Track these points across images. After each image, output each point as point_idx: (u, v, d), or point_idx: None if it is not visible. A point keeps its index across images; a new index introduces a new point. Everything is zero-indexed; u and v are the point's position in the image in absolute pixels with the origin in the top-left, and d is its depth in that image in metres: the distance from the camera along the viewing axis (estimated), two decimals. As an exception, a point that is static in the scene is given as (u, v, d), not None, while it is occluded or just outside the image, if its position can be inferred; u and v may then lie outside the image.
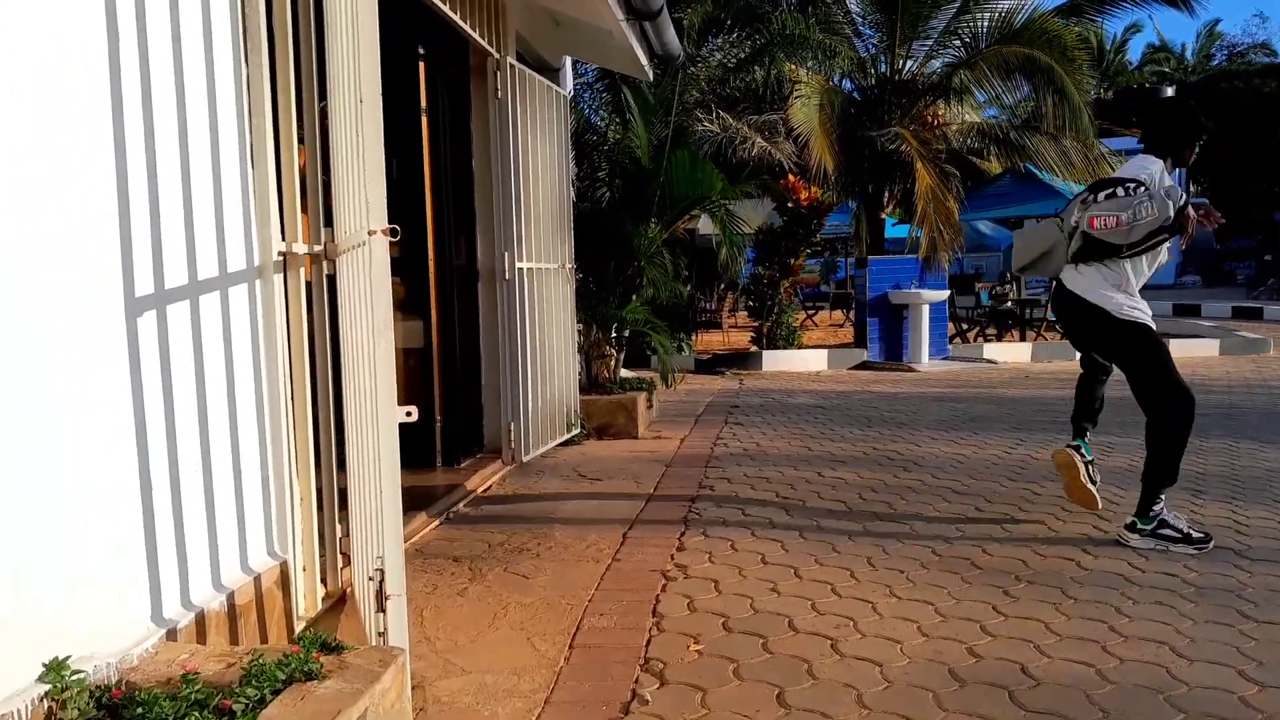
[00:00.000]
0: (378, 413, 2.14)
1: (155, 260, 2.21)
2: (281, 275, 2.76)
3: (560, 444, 5.81)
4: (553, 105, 5.79)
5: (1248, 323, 18.34)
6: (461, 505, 4.40)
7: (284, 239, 2.75)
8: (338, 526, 2.95)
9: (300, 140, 2.83)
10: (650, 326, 6.62)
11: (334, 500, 2.92)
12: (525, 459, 5.27)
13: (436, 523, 4.07)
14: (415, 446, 5.02)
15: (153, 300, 2.20)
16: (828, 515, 4.12)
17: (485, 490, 4.71)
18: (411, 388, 5.18)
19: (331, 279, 2.81)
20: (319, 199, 2.85)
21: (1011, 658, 2.66)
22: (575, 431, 5.99)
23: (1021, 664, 2.61)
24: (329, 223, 2.77)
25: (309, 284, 2.84)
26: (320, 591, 2.92)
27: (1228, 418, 7.09)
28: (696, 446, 5.88)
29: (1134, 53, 47.87)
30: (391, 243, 4.93)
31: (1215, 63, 48.51)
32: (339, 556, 3.00)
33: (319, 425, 2.90)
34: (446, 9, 4.34)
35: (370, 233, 2.14)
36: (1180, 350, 12.76)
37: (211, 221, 2.45)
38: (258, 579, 2.56)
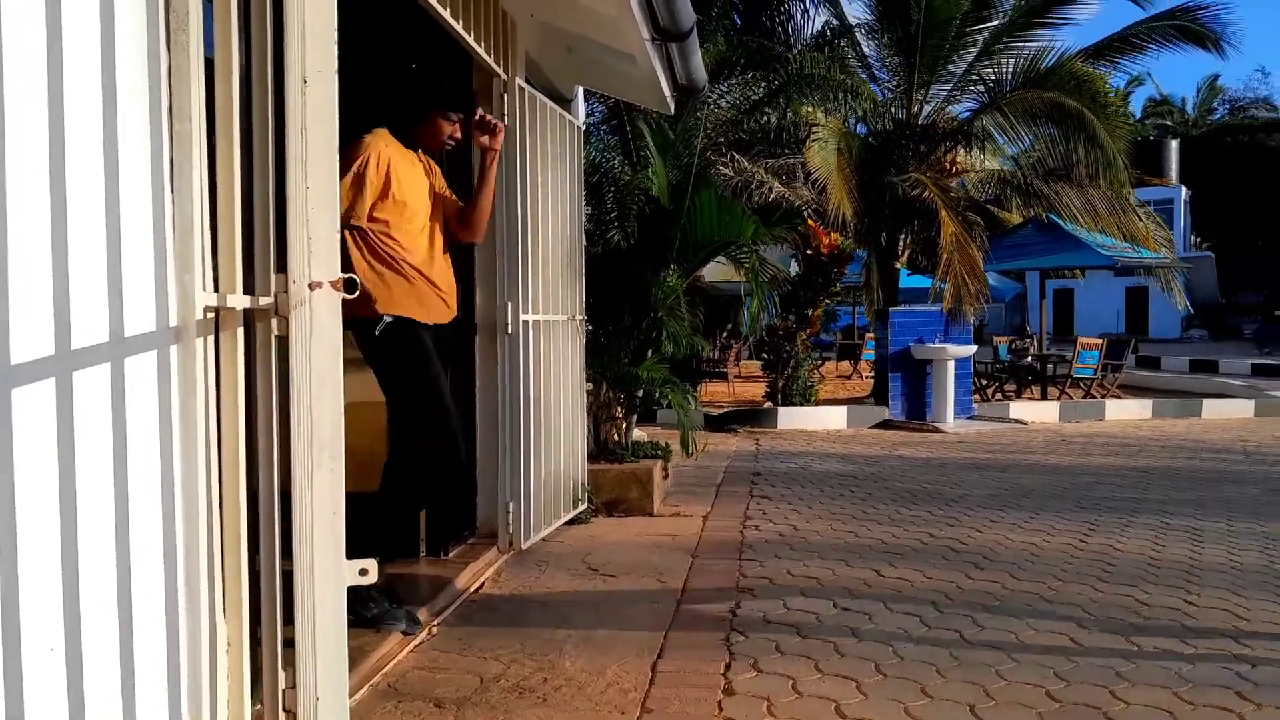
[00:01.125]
0: (314, 568, 1.38)
1: (-4, 323, 1.47)
2: (212, 337, 2.01)
3: (565, 523, 5.03)
4: (565, 135, 5.10)
5: (1271, 381, 17.67)
6: (450, 611, 3.61)
7: (216, 289, 2.01)
8: (280, 674, 2.17)
9: (247, 154, 2.10)
10: (669, 385, 5.88)
11: (276, 641, 2.15)
12: (525, 545, 4.48)
13: (418, 639, 3.28)
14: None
15: (-14, 384, 1.45)
16: (904, 638, 3.33)
17: (478, 589, 3.92)
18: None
19: (284, 340, 2.08)
20: (269, 232, 2.11)
21: None
22: (582, 508, 5.21)
23: None
24: (282, 268, 2.05)
25: (250, 348, 2.10)
26: (254, 766, 2.14)
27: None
28: (723, 528, 5.10)
29: (1136, 105, 47.85)
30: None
31: (1216, 116, 48.56)
32: (281, 714, 2.22)
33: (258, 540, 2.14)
34: (447, 14, 3.65)
35: (312, 285, 1.39)
36: (1214, 411, 12.07)
37: (100, 264, 1.71)
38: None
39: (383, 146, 3.27)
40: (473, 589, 3.90)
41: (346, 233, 3.07)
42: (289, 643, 2.10)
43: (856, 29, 14.19)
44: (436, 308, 3.38)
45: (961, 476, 7.04)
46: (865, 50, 14.48)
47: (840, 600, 3.77)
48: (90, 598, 1.68)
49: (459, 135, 3.54)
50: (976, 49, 13.85)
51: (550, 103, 4.94)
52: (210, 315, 1.99)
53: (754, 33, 14.10)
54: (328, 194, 1.50)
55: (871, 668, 3.04)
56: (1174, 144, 38.72)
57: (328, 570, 1.42)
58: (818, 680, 2.93)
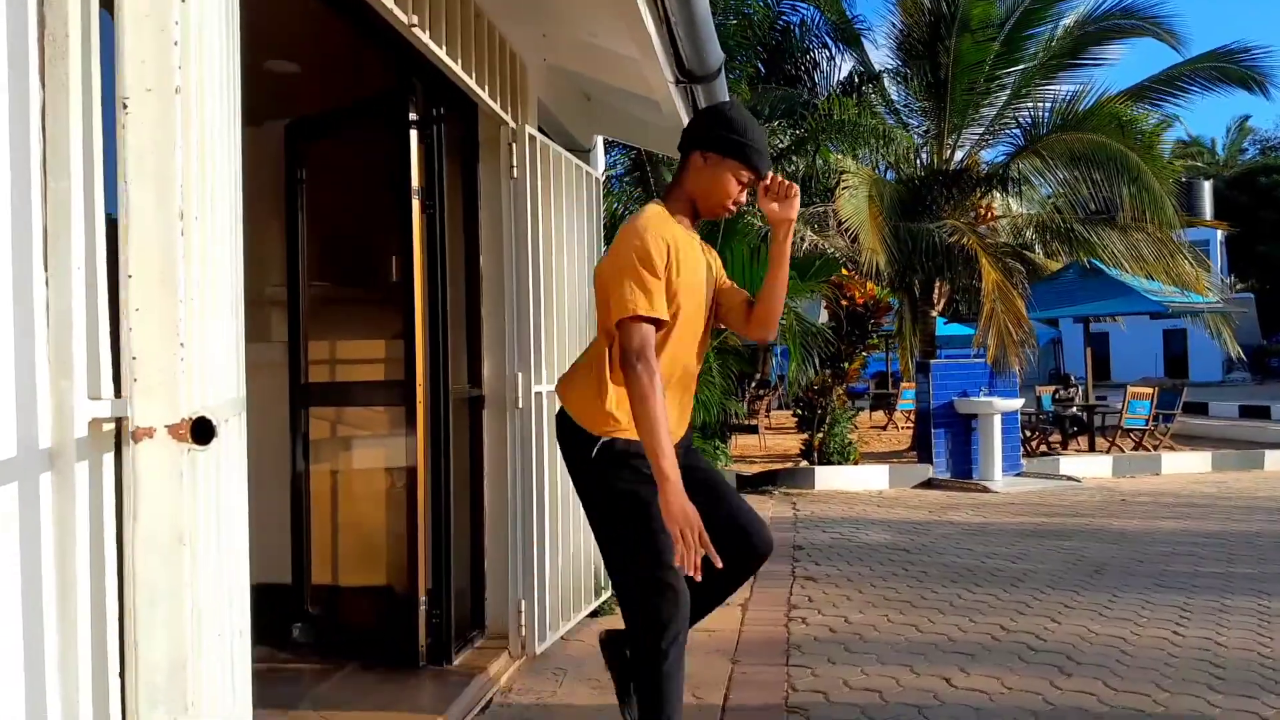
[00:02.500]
0: None
1: None
2: (110, 455, 1.53)
3: (587, 615, 4.49)
4: (582, 187, 4.66)
5: (1331, 428, 16.80)
6: (449, 741, 3.08)
7: (116, 393, 1.53)
8: None
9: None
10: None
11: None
12: (540, 649, 3.94)
13: (409, 783, 2.75)
14: (394, 634, 3.73)
15: None
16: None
17: (484, 708, 3.38)
18: (391, 547, 3.93)
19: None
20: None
21: None
22: (606, 597, 4.67)
23: None
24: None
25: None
26: None
27: None
28: (766, 620, 4.53)
29: (1164, 147, 47.32)
30: (371, 361, 3.60)
31: (1248, 156, 47.86)
32: None
33: None
34: (444, 55, 3.23)
35: (137, 434, 0.88)
36: (1277, 464, 11.33)
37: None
38: None
39: (667, 227, 2.42)
40: (478, 708, 3.36)
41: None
42: None
43: (884, 75, 13.85)
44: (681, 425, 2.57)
45: (1022, 547, 6.42)
46: (893, 96, 14.14)
47: (907, 716, 3.19)
48: None
49: (743, 201, 2.60)
50: (1008, 92, 13.45)
51: (565, 152, 4.51)
52: (107, 427, 1.52)
53: (778, 80, 13.81)
54: (161, 278, 1.04)
55: (960, 828, 2.47)
56: (1207, 185, 38.07)
57: None
58: None
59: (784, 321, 5.68)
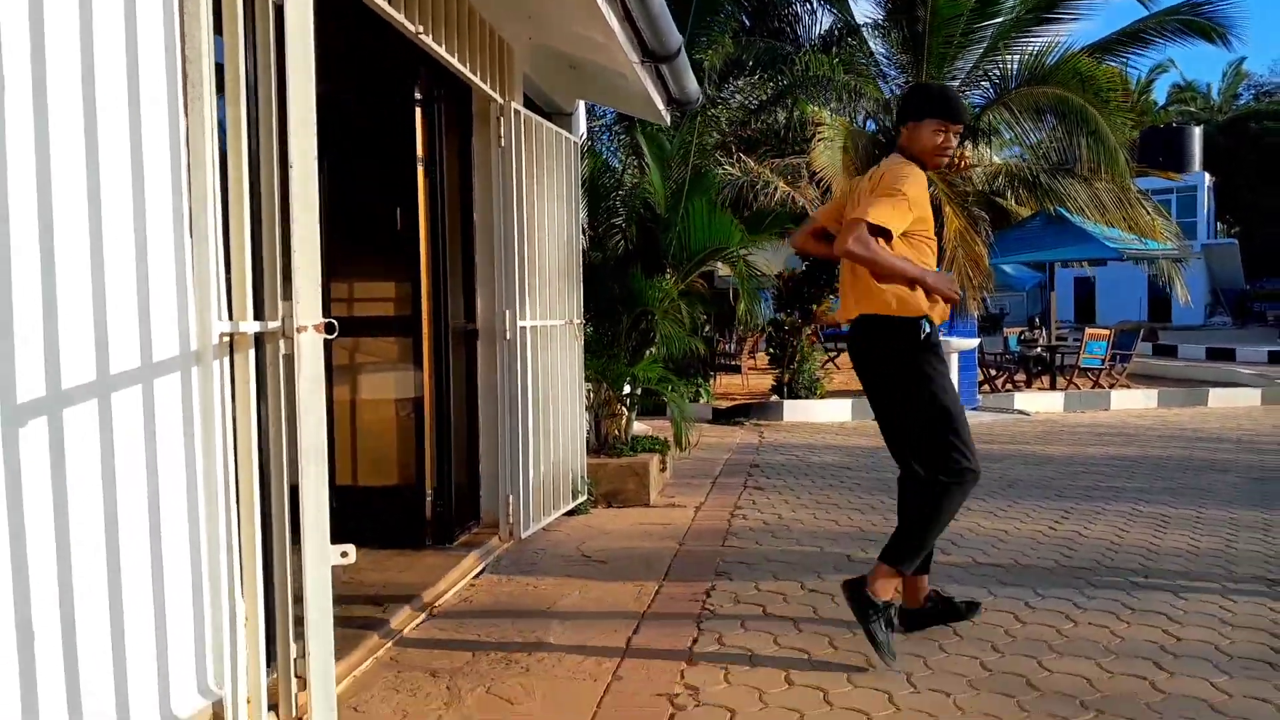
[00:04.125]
0: (308, 553, 1.73)
1: (49, 353, 1.83)
2: (227, 359, 2.37)
3: (564, 514, 5.38)
4: (562, 153, 5.43)
5: (1287, 369, 17.68)
6: (449, 595, 3.97)
7: (230, 317, 2.37)
8: (292, 646, 2.54)
9: (255, 201, 2.45)
10: (665, 384, 6.21)
11: (288, 617, 2.51)
12: (525, 534, 4.84)
13: (420, 618, 3.64)
14: (403, 521, 4.61)
15: (45, 404, 1.81)
16: (859, 615, 3.65)
17: (477, 575, 4.28)
18: (402, 451, 4.78)
19: (290, 359, 2.42)
20: (276, 267, 2.46)
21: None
22: (581, 499, 5.56)
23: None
24: (289, 295, 2.40)
25: (260, 368, 2.45)
26: (270, 723, 2.50)
27: (1289, 486, 6.55)
28: (713, 518, 5.43)
29: (1160, 93, 47.47)
30: (384, 300, 4.49)
31: (1242, 102, 48.10)
32: (294, 680, 2.58)
33: (269, 529, 2.49)
34: (443, 51, 3.99)
35: (299, 329, 1.74)
36: (1220, 400, 12.22)
37: (132, 299, 2.07)
38: (181, 728, 2.15)
39: (921, 176, 3.23)
40: (473, 574, 4.26)
41: (902, 240, 3.16)
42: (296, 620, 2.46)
43: (864, 28, 14.41)
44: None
45: (953, 467, 7.31)
46: (874, 48, 14.71)
47: (808, 582, 4.09)
48: (130, 580, 2.04)
49: (953, 149, 3.34)
50: (984, 46, 14.01)
51: (546, 122, 5.27)
52: (225, 339, 2.35)
53: (762, 33, 14.35)
54: (311, 254, 1.84)
55: (826, 643, 3.36)
56: (1197, 130, 38.38)
57: (318, 554, 1.76)
58: (775, 651, 3.26)
59: (736, 268, 6.47)
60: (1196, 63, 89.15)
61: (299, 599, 2.44)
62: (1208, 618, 3.65)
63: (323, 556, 1.81)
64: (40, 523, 1.80)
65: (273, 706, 2.52)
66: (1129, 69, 19.79)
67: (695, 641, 3.35)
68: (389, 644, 3.34)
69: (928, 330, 3.18)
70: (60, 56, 1.86)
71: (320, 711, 1.84)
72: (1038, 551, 4.65)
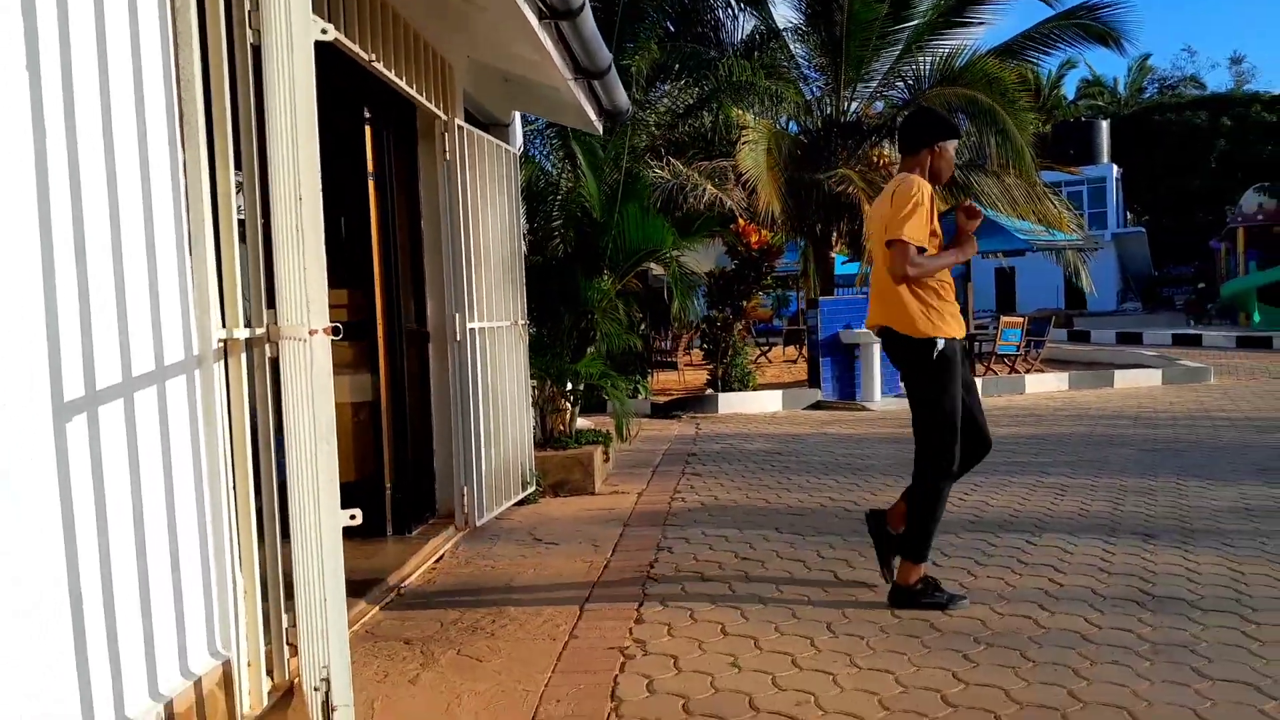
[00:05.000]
0: (320, 521, 2.08)
1: (86, 360, 2.13)
2: (222, 362, 2.69)
3: (515, 504, 5.73)
4: (502, 163, 5.78)
5: (1188, 350, 18.79)
6: (414, 577, 4.30)
7: (224, 325, 2.68)
8: (284, 616, 2.86)
9: (241, 224, 2.77)
10: (606, 379, 6.59)
11: (279, 590, 2.83)
12: (480, 522, 5.18)
13: (389, 598, 3.97)
14: (365, 515, 4.90)
15: (84, 403, 2.12)
16: (786, 577, 4.09)
17: (438, 560, 4.61)
18: (361, 448, 5.08)
19: (275, 362, 2.74)
20: (260, 280, 2.78)
21: (973, 732, 2.64)
22: (531, 490, 5.91)
23: (983, 739, 2.60)
24: (271, 304, 2.72)
25: (250, 369, 2.77)
26: (266, 685, 2.81)
27: (1174, 454, 7.21)
28: (654, 502, 5.83)
29: (1069, 87, 49.36)
30: (339, 307, 4.83)
31: (1147, 95, 50.30)
32: (286, 646, 2.90)
33: (262, 513, 2.82)
34: (392, 75, 4.31)
35: (311, 332, 2.08)
36: (1125, 381, 13.06)
37: (147, 314, 2.38)
38: (198, 683, 2.46)
39: (927, 187, 3.66)
40: (433, 559, 4.59)
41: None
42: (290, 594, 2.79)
43: (786, 32, 14.98)
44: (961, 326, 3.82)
45: (874, 449, 7.84)
46: (795, 50, 15.31)
47: (741, 551, 4.52)
48: (153, 554, 2.35)
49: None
50: (899, 48, 14.70)
51: (487, 136, 5.62)
52: (221, 344, 2.67)
53: (687, 38, 14.81)
54: (317, 270, 2.17)
55: (756, 600, 3.79)
56: (1104, 124, 40.06)
57: (331, 518, 2.09)
58: (711, 610, 3.67)
59: (669, 269, 6.89)
60: (1105, 59, 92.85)
61: (289, 576, 2.77)
62: (1089, 567, 4.17)
63: (335, 518, 2.15)
64: (83, 504, 2.10)
65: (271, 671, 2.84)
66: (1041, 66, 20.76)
67: (641, 604, 3.75)
68: (364, 619, 3.66)
69: (940, 348, 3.65)
70: (87, 111, 2.16)
71: (338, 669, 2.18)
72: (947, 519, 5.14)
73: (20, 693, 1.89)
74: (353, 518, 2.26)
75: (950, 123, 4.00)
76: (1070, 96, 48.71)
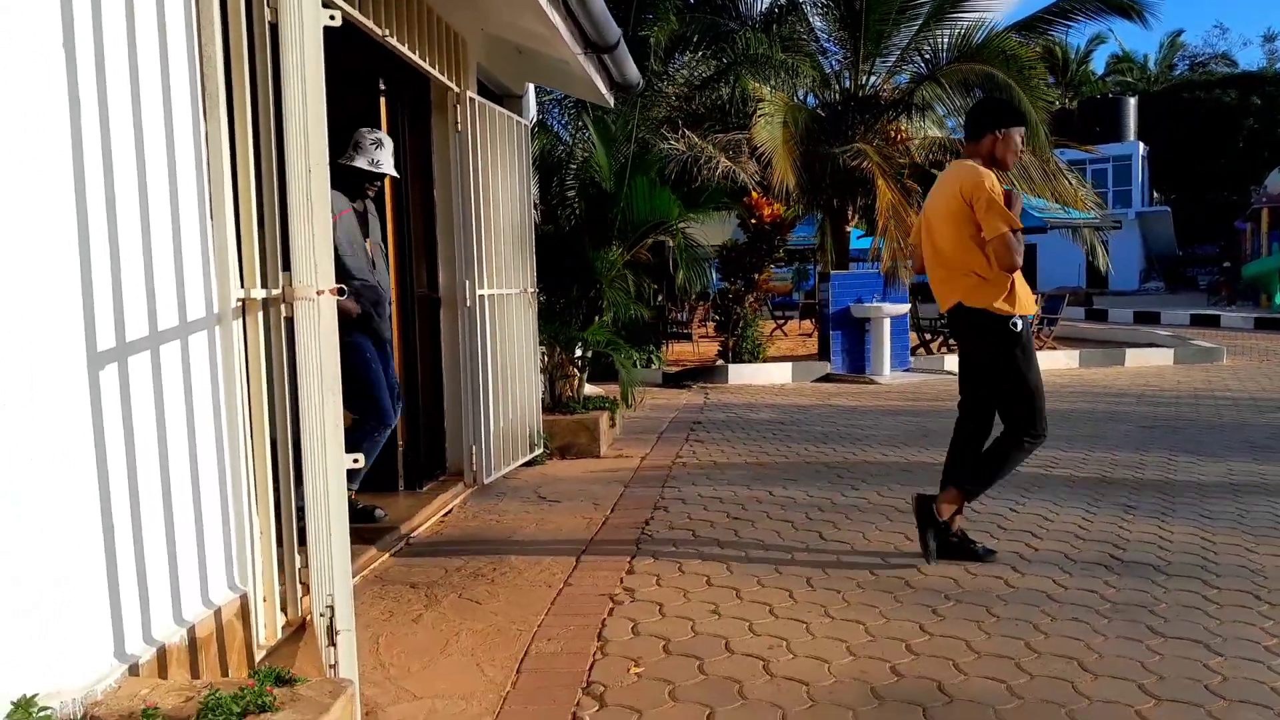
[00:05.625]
0: (326, 464, 2.29)
1: (116, 313, 2.35)
2: (241, 320, 2.90)
3: (523, 464, 5.95)
4: (514, 135, 5.95)
5: (1205, 330, 18.79)
6: (423, 529, 4.54)
7: (243, 285, 2.89)
8: (297, 558, 3.09)
9: (259, 189, 2.97)
10: (613, 347, 6.79)
11: (293, 533, 3.06)
12: (487, 481, 5.41)
13: (399, 546, 4.20)
14: (378, 470, 5.15)
15: (114, 354, 2.33)
16: (773, 536, 4.30)
17: (446, 514, 4.85)
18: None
19: (290, 321, 2.95)
20: (277, 244, 2.99)
21: (931, 675, 2.84)
22: (538, 452, 6.14)
23: (939, 681, 2.80)
24: (286, 266, 2.92)
25: (267, 327, 2.98)
26: (281, 620, 3.05)
27: (1171, 430, 7.34)
28: (656, 465, 6.05)
29: (1098, 63, 48.75)
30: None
31: (1177, 73, 49.59)
32: (299, 586, 3.14)
33: (278, 462, 3.04)
34: (406, 49, 4.49)
35: (319, 292, 2.28)
36: (1137, 360, 13.13)
37: (172, 274, 2.59)
38: (218, 612, 2.70)
39: (991, 174, 3.79)
40: (443, 513, 4.83)
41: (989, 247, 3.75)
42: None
43: (804, 4, 14.97)
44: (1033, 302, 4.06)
45: (878, 421, 8.02)
46: (814, 24, 15.30)
47: (733, 511, 4.73)
48: (177, 494, 2.58)
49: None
50: (918, 23, 14.65)
51: (499, 108, 5.79)
52: (239, 304, 2.88)
53: (705, 9, 14.85)
54: (324, 238, 2.37)
55: (742, 555, 4.00)
56: (1132, 101, 39.59)
57: (335, 461, 2.31)
58: (699, 564, 3.89)
59: (676, 241, 7.06)
60: (1136, 35, 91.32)
61: (302, 517, 3.00)
62: (1065, 534, 4.35)
63: (339, 461, 2.36)
64: (116, 447, 2.33)
65: (285, 608, 3.07)
66: (1068, 39, 20.60)
67: (634, 557, 3.97)
68: (374, 564, 3.90)
69: (1019, 327, 3.86)
70: (117, 87, 2.36)
71: (341, 598, 2.40)
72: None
73: (69, 587, 2.12)
74: (355, 460, 2.48)
75: (1016, 109, 4.10)
76: (1099, 72, 48.09)
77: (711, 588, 3.61)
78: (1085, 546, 4.15)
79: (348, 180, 4.37)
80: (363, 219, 4.49)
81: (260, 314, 2.94)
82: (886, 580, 3.72)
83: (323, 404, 2.31)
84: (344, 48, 5.32)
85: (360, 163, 4.40)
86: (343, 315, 3.90)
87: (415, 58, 4.65)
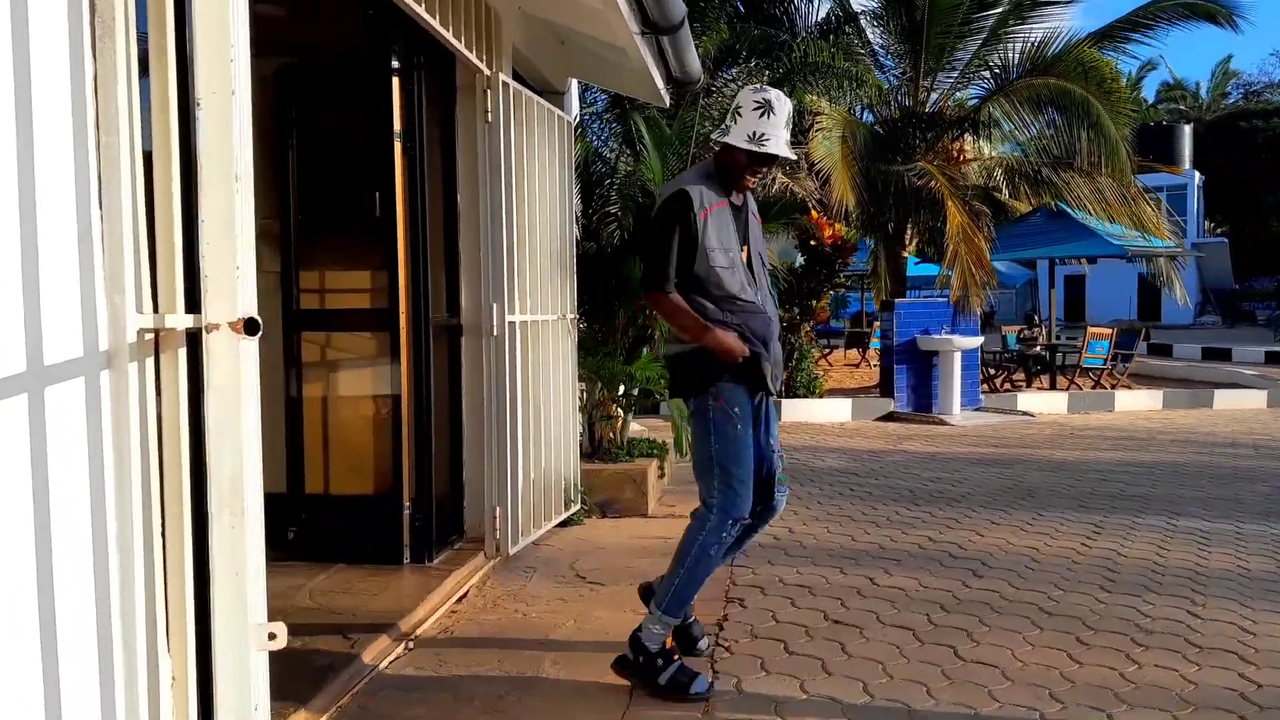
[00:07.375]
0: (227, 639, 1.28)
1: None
2: (152, 359, 1.91)
3: (557, 525, 4.93)
4: (554, 131, 4.97)
5: (1285, 369, 17.41)
6: (429, 622, 3.52)
7: (156, 309, 1.90)
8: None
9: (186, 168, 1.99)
10: (664, 384, 5.76)
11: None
12: (513, 550, 4.38)
13: (395, 652, 3.19)
14: (378, 536, 4.15)
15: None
16: (897, 656, 3.21)
17: (460, 599, 3.83)
18: (377, 459, 4.33)
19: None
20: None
21: None
22: (575, 509, 5.11)
23: None
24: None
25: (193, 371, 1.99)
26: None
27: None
28: (717, 531, 4.99)
29: (1149, 90, 47.35)
30: (355, 291, 3.97)
31: (1230, 100, 47.99)
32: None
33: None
34: (423, 11, 3.53)
35: (210, 327, 1.28)
36: (1225, 402, 11.89)
37: (15, 286, 1.61)
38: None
39: None
40: (455, 599, 3.80)
41: None
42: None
43: (861, 16, 14.01)
44: None
45: (965, 473, 6.91)
46: (871, 37, 14.31)
47: (831, 610, 3.66)
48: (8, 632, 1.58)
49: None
50: (983, 35, 13.62)
51: (537, 97, 4.82)
52: (148, 337, 1.89)
53: (757, 19, 13.92)
54: (223, 227, 1.40)
55: (859, 688, 2.93)
56: (1187, 129, 38.27)
57: (230, 633, 1.31)
58: (802, 702, 2.82)
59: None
60: (1186, 61, 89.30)
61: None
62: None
63: (241, 644, 1.35)
64: None
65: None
66: (1121, 63, 19.41)
67: (711, 686, 2.91)
68: (358, 686, 2.88)
69: None
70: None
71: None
72: (1076, 574, 4.23)
73: None
74: (272, 638, 1.46)
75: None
76: (1150, 99, 46.70)
77: (830, 749, 2.55)
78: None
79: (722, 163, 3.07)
80: (739, 216, 3.10)
81: (183, 351, 1.94)
82: (1069, 735, 2.64)
83: (215, 525, 1.30)
84: (346, 13, 4.38)
85: (735, 138, 2.94)
86: (724, 357, 2.90)
87: (436, 25, 3.69)
